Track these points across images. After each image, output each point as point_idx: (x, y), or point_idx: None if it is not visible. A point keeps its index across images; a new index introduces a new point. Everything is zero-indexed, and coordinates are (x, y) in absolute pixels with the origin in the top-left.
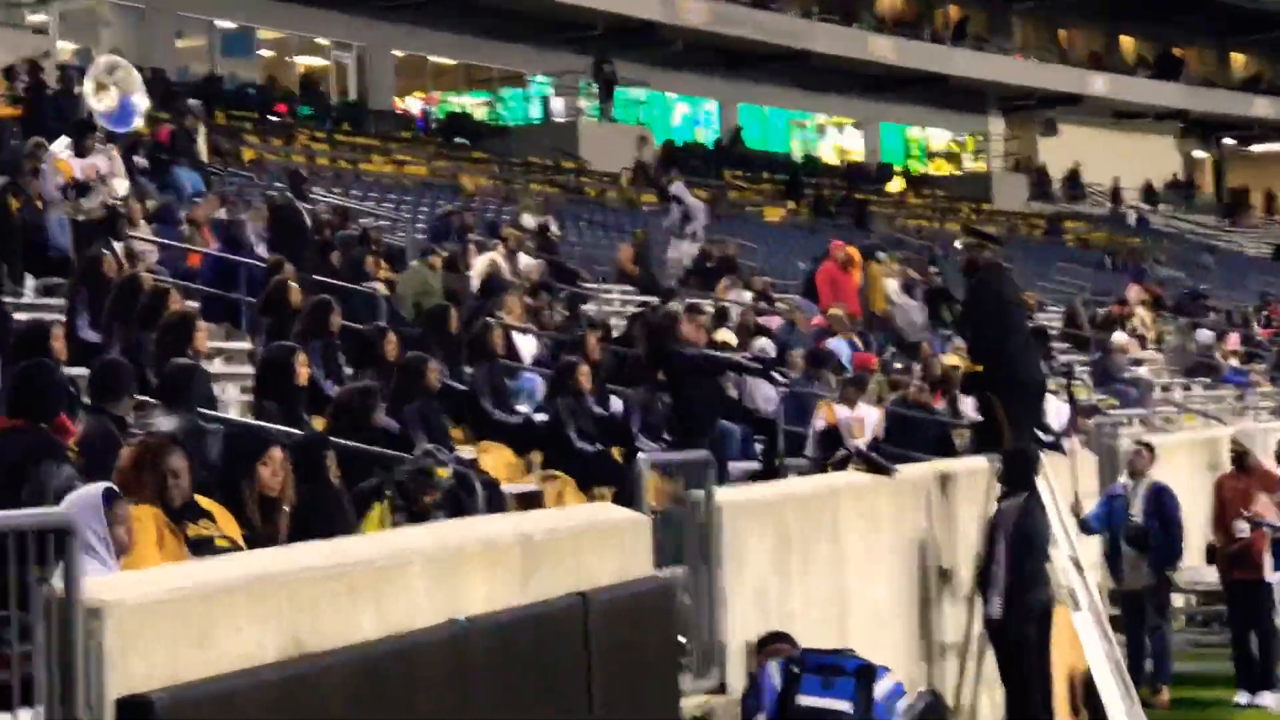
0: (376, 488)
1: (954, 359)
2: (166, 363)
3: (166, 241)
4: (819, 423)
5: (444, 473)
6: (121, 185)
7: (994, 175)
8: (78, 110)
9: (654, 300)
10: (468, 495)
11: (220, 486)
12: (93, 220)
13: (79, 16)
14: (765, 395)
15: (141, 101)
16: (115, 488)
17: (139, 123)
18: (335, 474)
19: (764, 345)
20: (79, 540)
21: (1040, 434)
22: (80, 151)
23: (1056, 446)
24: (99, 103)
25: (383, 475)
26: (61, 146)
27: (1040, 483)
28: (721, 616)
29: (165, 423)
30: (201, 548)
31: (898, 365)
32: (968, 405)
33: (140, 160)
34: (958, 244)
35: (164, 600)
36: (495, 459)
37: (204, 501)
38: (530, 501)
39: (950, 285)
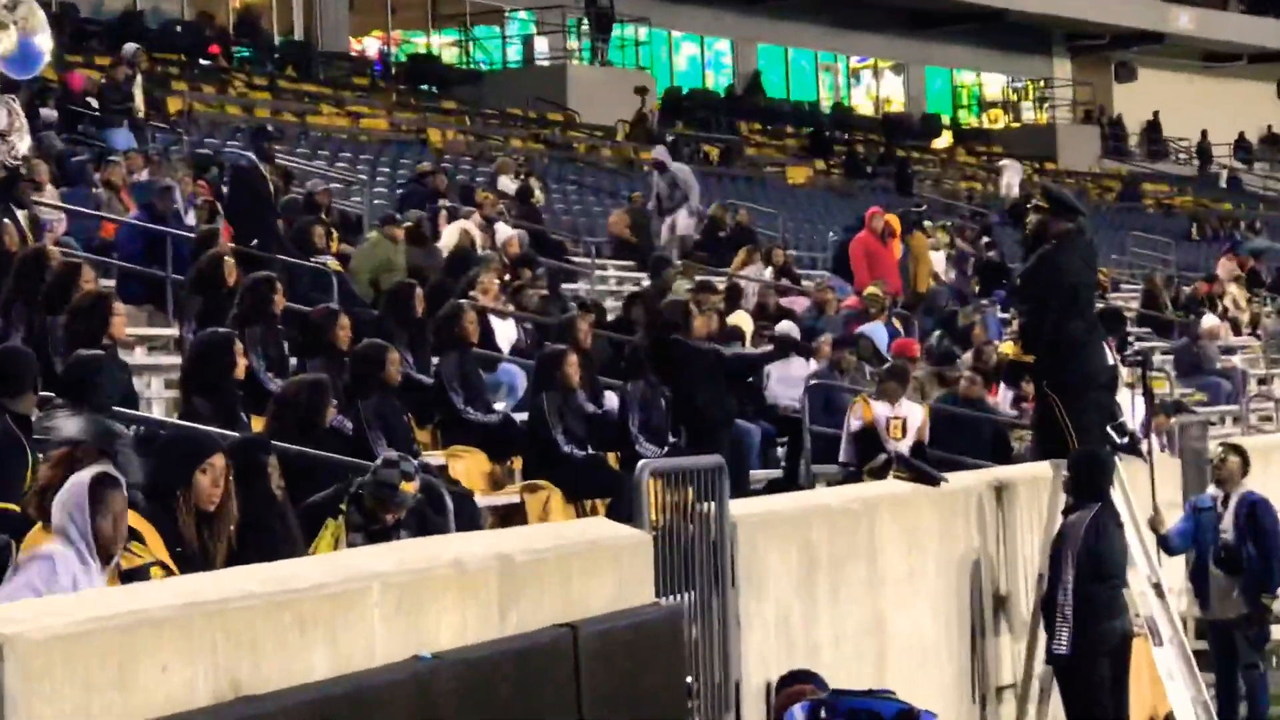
0: (330, 502)
1: (1009, 347)
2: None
3: (78, 209)
4: (854, 422)
5: (410, 487)
6: (23, 142)
7: (1059, 128)
8: None
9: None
10: (436, 511)
11: (148, 499)
12: None
13: None
14: (788, 387)
15: (46, 43)
16: (112, 473)
17: (42, 67)
18: (279, 484)
19: (787, 329)
20: None
21: (1113, 435)
22: None
23: (1133, 450)
24: None
25: (337, 487)
26: None
27: (1114, 493)
28: (736, 651)
29: (69, 425)
30: (134, 578)
31: (946, 354)
32: (1003, 399)
33: (47, 112)
34: (1031, 203)
35: (76, 634)
36: (468, 466)
37: (132, 519)
38: (510, 516)
39: (1007, 259)
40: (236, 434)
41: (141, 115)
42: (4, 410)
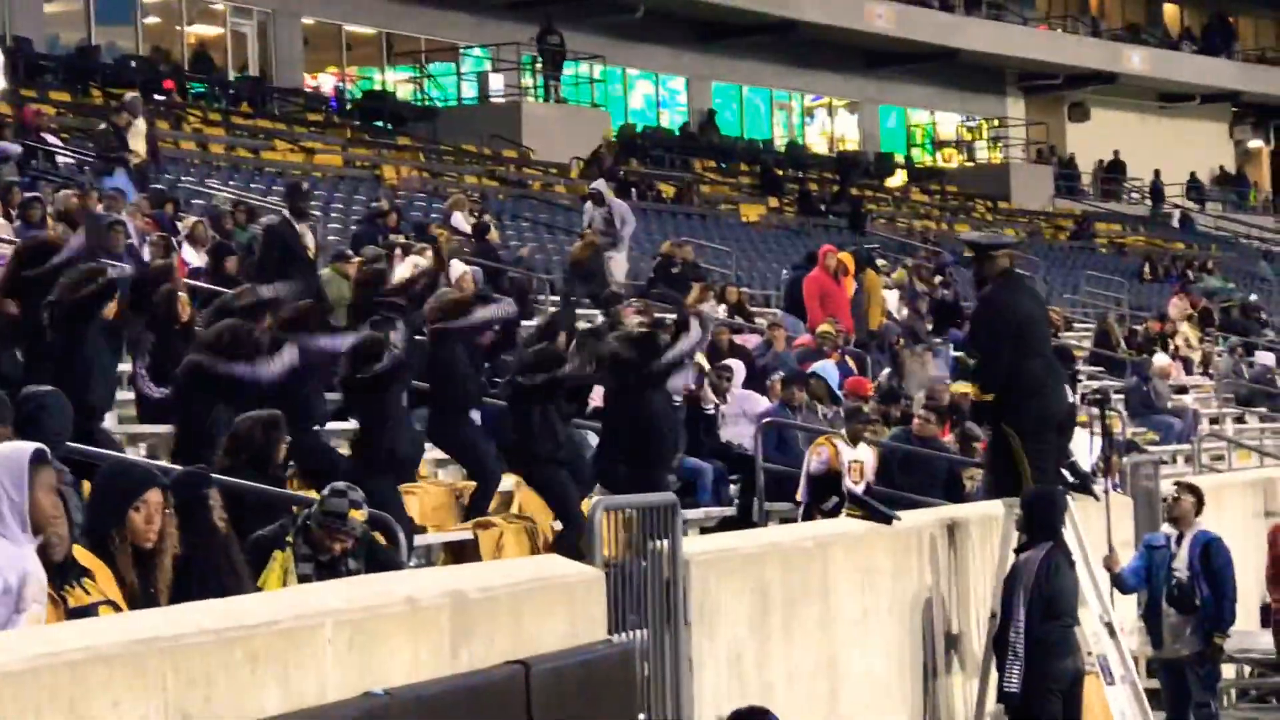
0: (277, 535)
1: (964, 386)
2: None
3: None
4: (815, 464)
5: (359, 514)
6: None
7: (1013, 167)
8: None
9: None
10: (389, 541)
11: (85, 536)
12: None
13: None
14: (741, 425)
15: None
16: (46, 450)
17: None
18: (221, 517)
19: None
20: None
21: (1066, 474)
22: None
23: (1085, 489)
24: None
25: (284, 520)
26: None
27: (1066, 532)
28: (688, 689)
29: None
30: (82, 616)
31: (892, 393)
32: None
33: (9, 146)
34: (965, 248)
35: (24, 670)
36: (422, 500)
37: (82, 556)
38: (462, 552)
39: (962, 298)
40: (177, 468)
41: (143, 160)
42: None
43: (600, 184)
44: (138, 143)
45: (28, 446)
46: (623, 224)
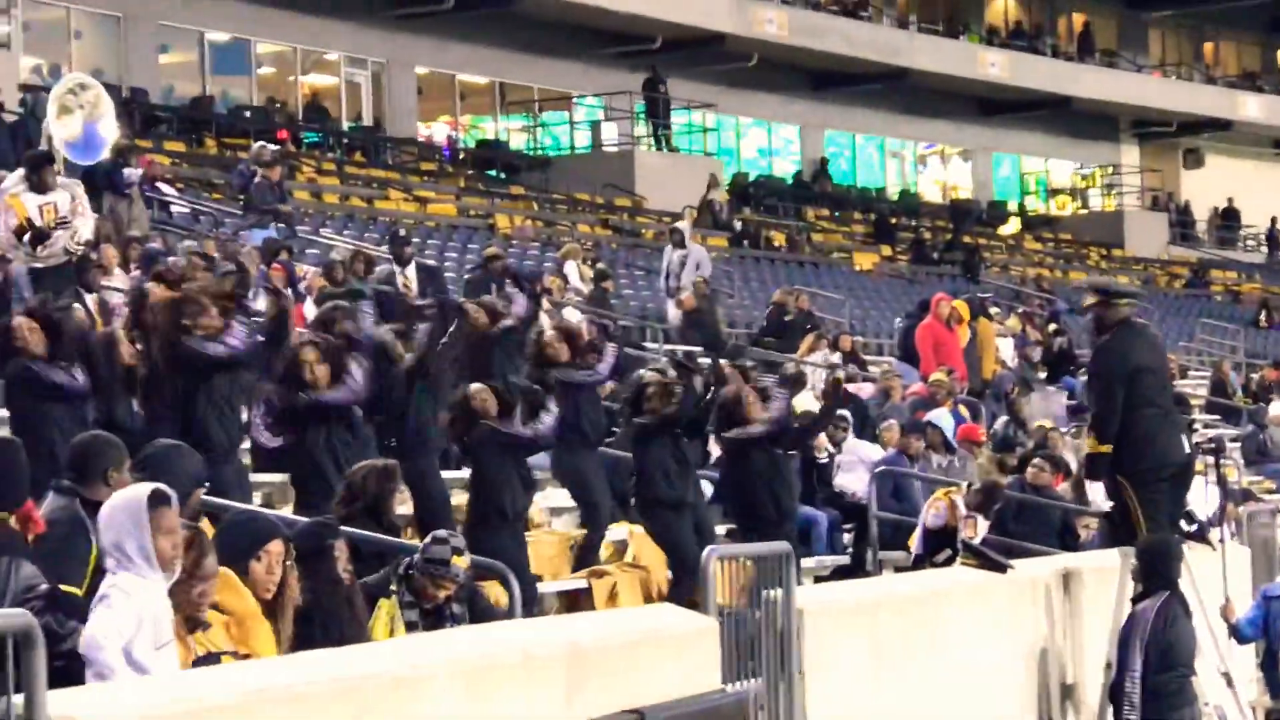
0: (383, 583)
1: (1088, 441)
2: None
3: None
4: (933, 518)
5: (461, 561)
6: (86, 227)
7: (1127, 214)
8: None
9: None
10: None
11: None
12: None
13: (46, 27)
14: (855, 474)
15: (110, 130)
16: (165, 490)
17: (104, 154)
18: (346, 568)
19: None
20: (40, 647)
21: (1183, 524)
22: (38, 187)
23: (1201, 538)
24: (61, 128)
25: (388, 568)
26: (15, 180)
27: (1183, 582)
28: None
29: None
30: (207, 664)
31: (1007, 441)
32: (1096, 492)
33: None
34: (1085, 300)
35: (145, 718)
36: (536, 550)
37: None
38: (576, 602)
39: (1076, 346)
40: (303, 519)
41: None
42: (76, 495)
43: (684, 224)
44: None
45: (145, 488)
46: (697, 269)
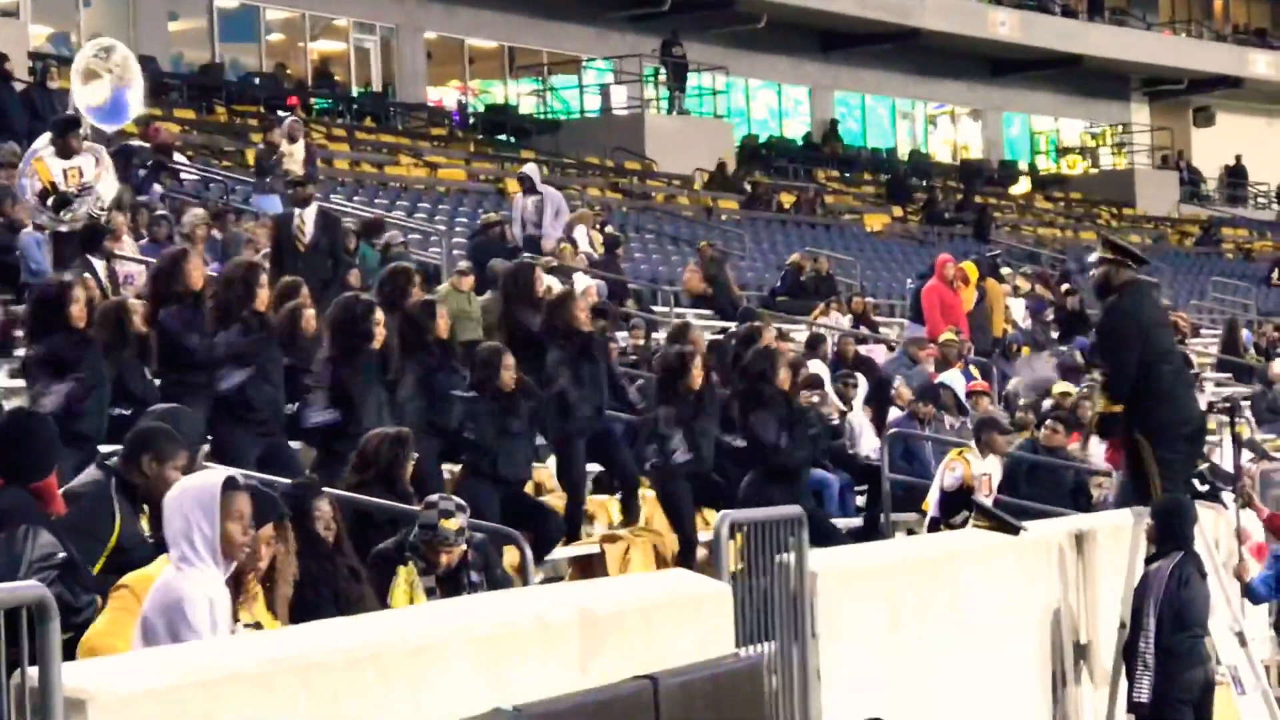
0: (397, 548)
1: (1100, 401)
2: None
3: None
4: (949, 479)
5: (450, 523)
6: (109, 192)
7: (1138, 173)
8: (54, 108)
9: (730, 325)
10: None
11: None
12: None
13: None
14: (867, 436)
15: (137, 99)
16: (237, 477)
17: (127, 122)
18: (328, 527)
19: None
20: (54, 620)
21: (1195, 483)
22: (64, 151)
23: (1214, 497)
24: (87, 94)
25: (400, 534)
26: (44, 143)
27: (1197, 542)
28: (816, 702)
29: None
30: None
31: (1022, 401)
32: (1097, 452)
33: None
34: (1090, 258)
35: (159, 690)
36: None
37: None
38: (590, 567)
39: (1088, 306)
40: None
41: (299, 174)
42: (113, 474)
43: (530, 168)
44: (293, 165)
45: (219, 475)
46: (557, 215)
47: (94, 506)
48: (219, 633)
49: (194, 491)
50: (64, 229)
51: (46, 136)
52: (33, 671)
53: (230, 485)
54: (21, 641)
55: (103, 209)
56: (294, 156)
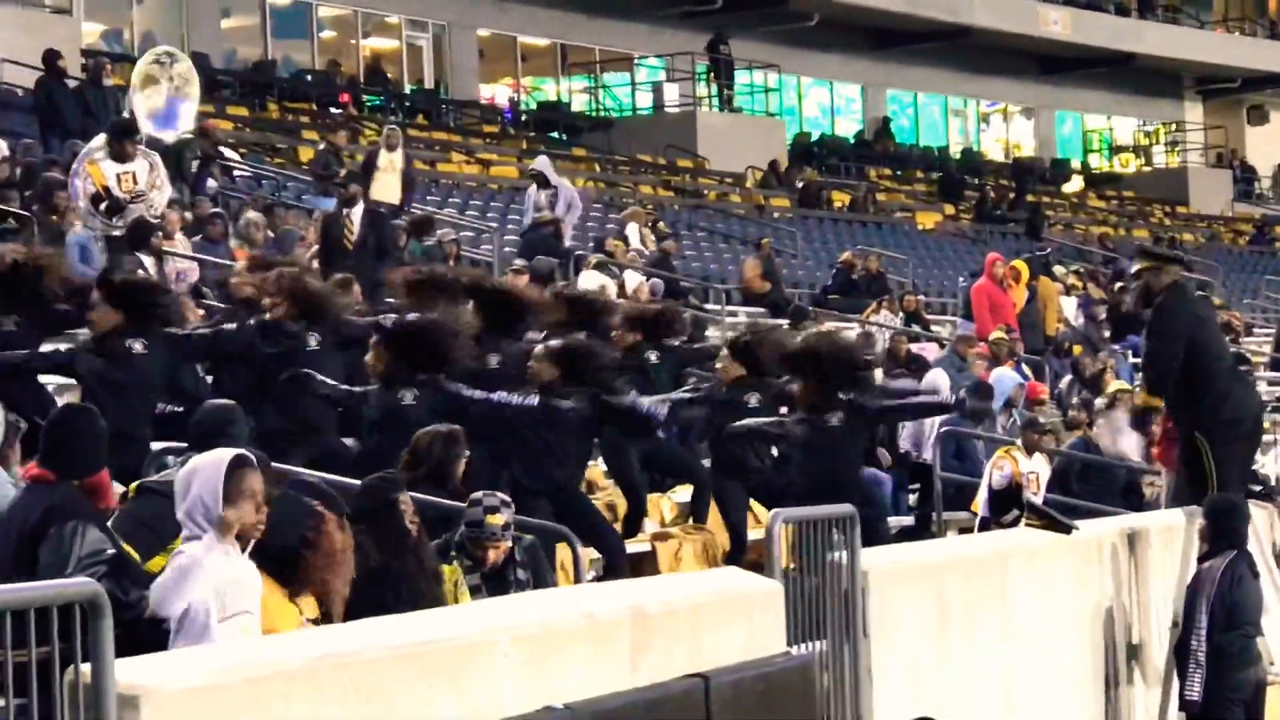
0: (444, 548)
1: (1140, 395)
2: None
3: (207, 258)
4: (998, 477)
5: (495, 519)
6: (163, 198)
7: (1191, 171)
8: (108, 106)
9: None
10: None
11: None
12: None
13: None
14: (918, 435)
15: (191, 110)
16: (249, 455)
17: (178, 133)
18: (413, 520)
19: (935, 382)
20: (107, 616)
21: (1249, 483)
22: (119, 155)
23: (1266, 496)
24: (145, 100)
25: (448, 534)
26: (98, 145)
27: (1250, 541)
28: (867, 701)
29: None
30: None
31: (1074, 400)
32: (1131, 444)
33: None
34: (1129, 271)
35: (210, 686)
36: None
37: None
38: (640, 565)
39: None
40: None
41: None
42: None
43: (543, 161)
44: (387, 177)
45: (226, 454)
46: (569, 209)
47: (163, 510)
48: (225, 610)
49: (203, 468)
50: (117, 234)
51: (102, 138)
52: (86, 668)
53: (239, 463)
54: (75, 638)
55: (156, 215)
56: (393, 165)
